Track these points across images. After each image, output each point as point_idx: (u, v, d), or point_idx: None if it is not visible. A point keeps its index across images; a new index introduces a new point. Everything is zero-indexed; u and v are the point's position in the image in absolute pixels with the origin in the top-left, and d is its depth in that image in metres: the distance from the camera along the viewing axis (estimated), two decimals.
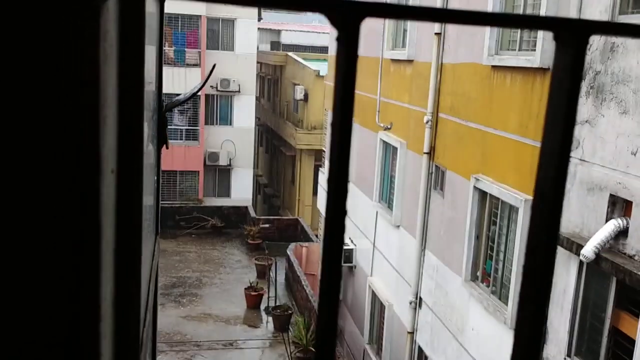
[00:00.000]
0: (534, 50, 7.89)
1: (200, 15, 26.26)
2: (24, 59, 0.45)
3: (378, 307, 13.61)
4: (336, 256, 0.54)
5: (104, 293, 0.58)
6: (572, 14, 7.05)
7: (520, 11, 8.42)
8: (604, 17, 6.60)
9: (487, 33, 8.91)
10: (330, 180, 0.51)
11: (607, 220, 6.38)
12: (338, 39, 0.51)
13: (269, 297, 18.28)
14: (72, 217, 0.47)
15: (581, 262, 6.71)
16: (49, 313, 0.49)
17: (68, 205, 0.47)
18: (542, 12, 7.61)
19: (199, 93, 26.16)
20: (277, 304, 18.00)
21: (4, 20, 0.44)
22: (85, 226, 0.49)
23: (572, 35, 0.54)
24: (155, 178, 1.60)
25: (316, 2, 0.49)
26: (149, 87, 1.44)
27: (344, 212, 0.52)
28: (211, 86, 26.90)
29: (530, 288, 0.56)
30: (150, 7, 1.32)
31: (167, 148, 1.69)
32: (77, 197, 0.48)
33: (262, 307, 18.41)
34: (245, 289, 18.62)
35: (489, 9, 8.86)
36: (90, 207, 0.50)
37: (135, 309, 0.87)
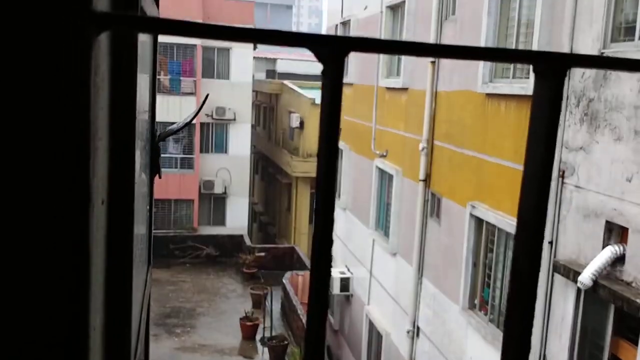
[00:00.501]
0: (528, 77, 7.98)
1: (195, 45, 26.50)
2: (17, 90, 0.46)
3: (375, 336, 13.49)
4: (324, 283, 0.54)
5: (93, 323, 0.58)
6: (565, 41, 7.15)
7: (514, 39, 8.53)
8: (596, 45, 6.69)
9: (481, 61, 9.02)
10: (317, 212, 0.52)
11: (603, 247, 6.38)
12: (323, 73, 0.52)
13: (264, 327, 18.10)
14: (60, 247, 0.48)
15: (579, 289, 6.69)
16: (37, 341, 0.49)
17: (56, 235, 0.48)
18: (535, 40, 7.71)
19: (194, 121, 26.27)
20: (273, 334, 17.81)
21: None
22: (73, 257, 0.50)
23: (551, 68, 0.56)
24: (148, 207, 1.61)
25: (301, 38, 0.51)
26: (142, 116, 1.45)
27: (330, 243, 0.53)
28: (206, 114, 27.01)
29: (515, 312, 0.57)
30: (143, 36, 1.34)
31: (159, 177, 1.70)
32: (66, 228, 0.49)
33: (258, 337, 18.21)
34: (241, 319, 18.43)
35: (482, 37, 8.97)
36: (80, 238, 0.50)
37: (126, 339, 0.86)
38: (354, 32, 15.28)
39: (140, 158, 1.38)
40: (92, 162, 0.50)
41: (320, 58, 0.52)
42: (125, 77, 0.70)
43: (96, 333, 0.64)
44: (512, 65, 8.57)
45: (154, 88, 1.69)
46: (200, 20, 26.37)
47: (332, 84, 0.51)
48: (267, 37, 0.51)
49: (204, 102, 3.07)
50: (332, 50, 0.51)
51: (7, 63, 0.45)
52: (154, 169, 1.60)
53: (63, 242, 0.49)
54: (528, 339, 0.59)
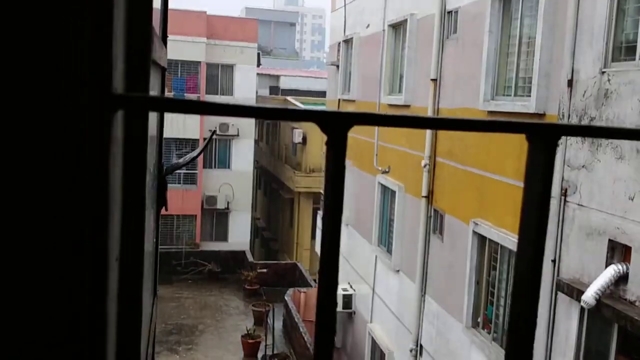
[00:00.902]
0: (529, 96, 8.02)
1: (200, 62, 26.66)
2: (45, 162, 0.49)
3: (378, 354, 13.43)
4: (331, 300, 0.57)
5: None
6: (566, 60, 7.19)
7: (515, 58, 8.58)
8: (597, 64, 6.73)
9: (483, 78, 9.07)
10: (320, 275, 0.55)
11: (606, 266, 6.38)
12: (327, 144, 0.55)
13: (266, 345, 18.01)
14: (79, 305, 0.50)
15: (582, 309, 6.67)
16: None
17: (76, 295, 0.50)
18: (536, 59, 7.76)
19: (197, 137, 26.37)
20: (275, 352, 17.72)
21: (29, 123, 0.48)
22: (92, 319, 0.52)
23: (542, 137, 0.58)
24: (154, 240, 1.63)
25: (309, 113, 0.53)
26: (152, 153, 1.48)
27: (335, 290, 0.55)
28: (210, 130, 27.06)
29: (517, 328, 0.59)
30: (152, 76, 1.37)
31: (166, 210, 1.72)
32: (85, 288, 0.51)
33: (260, 355, 18.12)
34: (242, 336, 18.35)
35: (484, 55, 9.03)
36: (98, 297, 0.53)
37: None
38: (356, 49, 15.38)
39: (148, 193, 1.41)
40: (110, 228, 0.53)
41: (325, 131, 0.55)
42: (138, 143, 0.73)
43: None
44: (514, 83, 8.61)
45: (162, 122, 1.72)
46: (204, 38, 26.60)
47: (336, 155, 0.54)
48: (276, 114, 0.54)
49: (210, 137, 3.12)
50: (336, 124, 0.53)
51: (39, 140, 0.48)
52: (161, 202, 1.63)
53: (79, 300, 0.51)
54: (530, 356, 0.62)
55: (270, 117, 0.54)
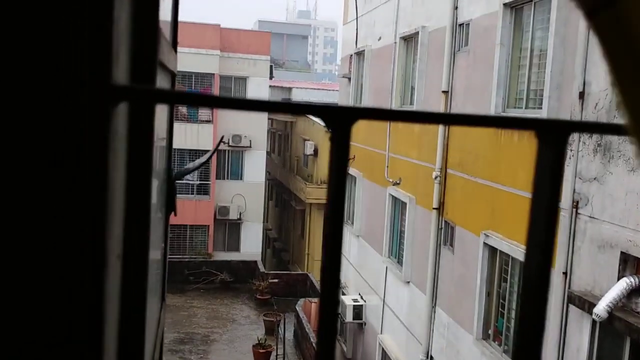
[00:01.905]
0: (541, 108, 7.99)
1: (213, 74, 26.83)
2: (44, 159, 0.49)
3: None
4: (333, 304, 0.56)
5: None
6: (577, 72, 7.16)
7: (526, 70, 8.56)
8: (609, 77, 6.69)
9: (494, 90, 9.05)
10: (322, 274, 0.54)
11: (618, 278, 6.31)
12: (331, 139, 0.55)
13: (277, 355, 17.96)
14: (75, 305, 0.50)
15: (594, 321, 6.60)
16: None
17: (72, 292, 0.50)
18: (548, 71, 7.73)
19: (210, 148, 26.46)
20: None
21: (28, 118, 0.48)
22: (90, 317, 0.52)
23: (553, 135, 0.58)
24: (163, 245, 1.63)
25: (313, 108, 0.53)
26: (161, 158, 1.49)
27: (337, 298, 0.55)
28: (223, 142, 27.23)
29: (525, 336, 0.58)
30: (162, 81, 1.38)
31: (175, 215, 1.73)
32: (84, 286, 0.51)
33: None
34: (254, 346, 18.33)
35: (495, 67, 9.01)
36: (95, 295, 0.52)
37: None
38: (368, 62, 15.41)
39: (156, 198, 1.41)
40: (108, 224, 0.53)
41: (329, 126, 0.54)
42: (143, 139, 0.73)
43: None
44: (525, 95, 8.59)
45: (172, 124, 1.73)
46: (218, 51, 26.78)
47: (340, 149, 0.54)
48: (281, 107, 0.54)
49: (219, 143, 3.13)
50: (340, 119, 0.53)
51: (38, 132, 0.48)
52: (170, 207, 1.63)
53: (78, 300, 0.51)
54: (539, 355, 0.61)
55: (273, 110, 0.54)
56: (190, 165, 2.66)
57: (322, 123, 0.56)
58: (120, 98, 0.51)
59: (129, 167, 0.69)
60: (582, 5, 0.50)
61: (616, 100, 0.53)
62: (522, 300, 0.62)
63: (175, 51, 1.56)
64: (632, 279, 6.14)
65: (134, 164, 0.71)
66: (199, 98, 0.50)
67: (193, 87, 27.04)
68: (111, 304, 0.63)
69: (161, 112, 1.33)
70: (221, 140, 3.58)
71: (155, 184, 1.34)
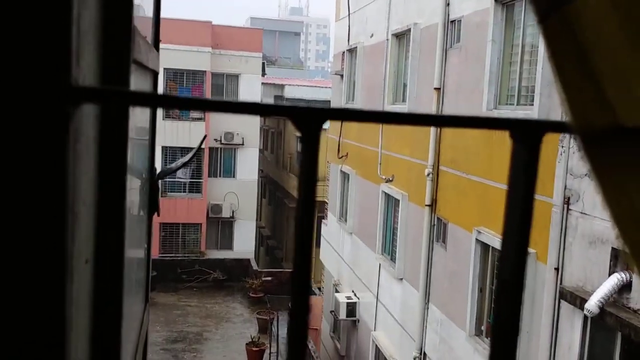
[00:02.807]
0: (532, 104, 8.00)
1: (205, 71, 26.75)
2: None
3: None
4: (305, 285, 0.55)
5: None
6: None
7: (517, 67, 8.57)
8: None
9: (486, 87, 9.06)
10: (293, 280, 0.53)
11: (610, 274, 6.33)
12: (301, 140, 0.54)
13: (270, 353, 17.97)
14: (36, 310, 0.49)
15: (585, 317, 6.62)
16: None
17: (33, 297, 0.49)
18: (539, 68, 7.74)
19: (202, 146, 26.41)
20: (279, 359, 17.68)
21: None
22: (50, 321, 0.50)
23: (527, 134, 0.57)
24: (146, 246, 1.62)
25: (282, 109, 0.52)
26: (143, 157, 1.47)
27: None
28: (215, 139, 27.19)
29: (501, 324, 0.58)
30: (142, 80, 1.36)
31: (158, 215, 1.71)
32: (42, 290, 0.50)
33: None
34: (247, 344, 18.32)
35: (487, 64, 9.02)
36: (56, 299, 0.51)
37: None
38: (360, 59, 15.40)
39: (138, 198, 1.40)
40: (70, 227, 0.51)
41: (298, 127, 0.53)
42: (114, 140, 0.72)
43: None
44: (516, 92, 8.60)
45: (154, 124, 1.71)
46: (209, 48, 26.71)
47: (309, 150, 0.53)
48: (247, 108, 0.53)
49: (202, 142, 3.11)
50: (309, 120, 0.52)
51: None
52: (153, 207, 1.62)
53: (39, 304, 0.50)
54: (514, 351, 0.60)
55: (242, 111, 0.53)
56: (173, 165, 2.64)
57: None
58: (81, 99, 0.50)
59: (101, 170, 0.68)
60: (535, 9, 0.50)
61: (560, 99, 0.53)
62: (496, 297, 0.61)
63: (157, 49, 1.55)
64: (623, 275, 6.16)
65: (106, 166, 0.69)
66: (162, 99, 0.49)
67: (185, 85, 26.96)
68: (80, 309, 0.62)
69: (141, 112, 1.32)
70: (203, 139, 3.56)
71: (136, 185, 1.33)
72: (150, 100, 0.50)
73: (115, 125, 0.71)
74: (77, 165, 0.54)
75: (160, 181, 1.95)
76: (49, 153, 0.47)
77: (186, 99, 0.51)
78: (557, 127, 0.58)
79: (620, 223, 0.57)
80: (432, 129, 10.81)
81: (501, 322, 0.61)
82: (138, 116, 1.32)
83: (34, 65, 0.46)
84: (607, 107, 0.54)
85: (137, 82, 1.10)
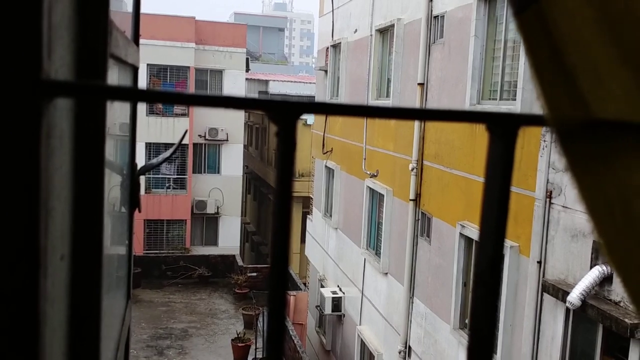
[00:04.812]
0: (515, 99, 8.05)
1: (189, 67, 26.61)
2: None
3: (367, 356, 13.42)
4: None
5: None
6: None
7: (500, 62, 8.62)
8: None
9: (469, 82, 9.10)
10: (271, 272, 0.53)
11: (591, 267, 6.41)
12: (277, 134, 0.54)
13: (256, 348, 17.97)
14: (6, 302, 0.48)
15: (568, 309, 6.70)
16: None
17: (3, 290, 0.48)
18: (522, 62, 7.79)
19: (187, 142, 26.29)
20: (265, 355, 17.65)
21: None
22: (22, 309, 0.50)
23: (503, 127, 0.57)
24: (127, 242, 1.61)
25: (258, 103, 0.52)
26: (123, 152, 1.46)
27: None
28: (199, 135, 27.07)
29: (479, 314, 0.58)
30: (122, 76, 1.35)
31: (139, 212, 1.70)
32: (14, 285, 0.49)
33: (250, 358, 18.06)
34: (232, 340, 18.30)
35: (470, 59, 9.06)
36: (28, 294, 0.50)
37: None
38: (344, 54, 15.40)
39: (118, 194, 1.39)
40: (44, 222, 0.51)
41: (274, 120, 0.53)
42: (91, 133, 0.71)
43: None
44: (499, 87, 8.65)
45: (135, 117, 1.70)
46: (193, 44, 26.56)
47: (285, 144, 0.53)
48: (224, 102, 0.52)
49: (182, 137, 3.10)
50: (285, 114, 0.52)
51: None
52: (134, 203, 1.61)
53: (11, 299, 0.49)
54: (491, 340, 0.61)
55: (217, 105, 0.52)
56: (154, 160, 2.63)
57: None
58: (53, 94, 0.49)
59: (77, 165, 0.67)
60: (512, 2, 0.51)
61: (536, 93, 0.54)
62: (474, 292, 0.62)
63: (137, 44, 1.53)
64: (604, 267, 6.24)
65: (82, 161, 0.68)
66: (136, 92, 0.49)
67: (168, 81, 26.79)
68: (56, 305, 0.61)
69: (121, 107, 1.30)
70: (185, 134, 3.54)
71: (116, 180, 1.32)
72: (124, 93, 0.49)
73: (91, 120, 0.70)
74: (51, 160, 0.53)
75: (143, 177, 1.94)
76: (20, 148, 0.47)
77: (161, 92, 0.50)
78: (532, 120, 0.59)
79: (595, 217, 0.57)
80: (416, 124, 10.85)
81: (478, 313, 0.61)
82: (118, 111, 1.31)
83: (3, 58, 0.45)
84: (580, 101, 0.55)
85: (116, 77, 1.09)
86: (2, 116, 0.45)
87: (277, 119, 0.52)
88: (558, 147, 0.56)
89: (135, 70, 1.55)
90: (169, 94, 0.50)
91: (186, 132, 3.55)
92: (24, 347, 0.48)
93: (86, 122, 0.69)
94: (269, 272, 0.55)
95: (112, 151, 1.18)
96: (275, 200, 0.56)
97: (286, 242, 0.53)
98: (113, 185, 1.17)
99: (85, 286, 0.72)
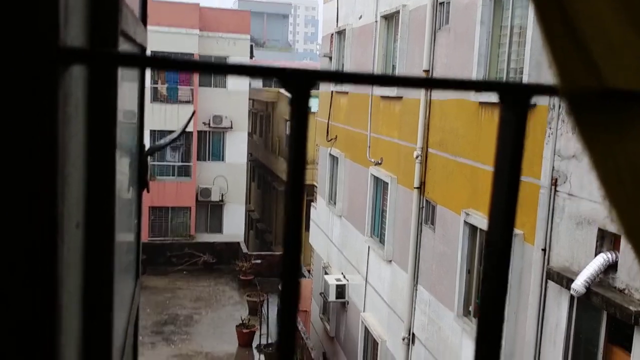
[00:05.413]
0: None
1: (193, 54, 26.55)
2: None
3: (371, 343, 13.48)
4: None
5: (66, 352, 0.59)
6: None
7: (506, 48, 8.57)
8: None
9: (475, 68, 9.06)
10: (285, 236, 0.53)
11: (596, 254, 6.41)
12: (291, 102, 0.54)
13: (261, 334, 18.07)
14: (28, 273, 0.49)
15: (572, 297, 6.71)
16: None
17: (21, 262, 0.49)
18: (527, 49, 7.75)
19: (191, 130, 26.29)
20: (270, 341, 17.79)
21: None
22: (40, 284, 0.51)
23: (515, 97, 0.58)
24: (136, 221, 1.62)
25: (271, 71, 0.52)
26: (130, 133, 1.47)
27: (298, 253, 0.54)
28: (203, 123, 27.07)
29: (489, 300, 0.59)
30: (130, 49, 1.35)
31: (147, 192, 1.71)
32: (32, 256, 0.50)
33: (254, 344, 18.18)
34: (237, 326, 18.41)
35: (475, 45, 9.02)
36: (47, 261, 0.51)
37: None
38: (349, 40, 15.34)
39: (127, 173, 1.40)
40: (60, 190, 0.51)
41: (287, 88, 0.54)
42: (104, 102, 0.71)
43: (71, 354, 0.65)
44: (505, 74, 8.61)
45: (142, 100, 1.70)
46: (197, 30, 26.48)
47: (299, 112, 0.53)
48: (238, 70, 0.53)
49: (190, 117, 3.11)
50: (299, 82, 0.52)
51: None
52: (142, 183, 1.61)
53: (28, 264, 0.50)
54: (501, 327, 0.61)
55: (229, 72, 0.53)
56: (162, 141, 2.63)
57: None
58: (70, 60, 0.50)
59: (90, 132, 0.68)
60: None
61: (548, 63, 0.54)
62: (485, 271, 0.62)
63: (145, 25, 1.53)
64: (609, 255, 6.24)
65: (95, 129, 0.69)
66: (149, 60, 0.49)
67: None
68: (71, 271, 0.62)
69: (130, 88, 1.31)
70: (192, 115, 3.55)
71: (125, 159, 1.33)
72: (138, 61, 0.50)
73: (104, 88, 0.71)
74: (67, 128, 0.54)
75: (149, 162, 1.94)
76: (39, 113, 0.47)
77: (174, 60, 0.51)
78: (544, 90, 0.59)
79: (605, 185, 0.58)
80: (421, 111, 10.82)
81: (489, 292, 0.62)
82: (127, 94, 1.32)
83: (22, 25, 0.46)
84: (592, 70, 0.55)
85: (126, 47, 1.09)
86: (22, 82, 0.46)
87: (292, 87, 0.52)
88: (569, 115, 0.57)
89: (143, 50, 1.55)
90: (180, 61, 0.51)
91: (194, 112, 3.56)
92: (43, 309, 0.49)
93: (99, 90, 0.69)
94: (282, 239, 0.55)
95: (120, 131, 1.18)
96: (289, 168, 0.57)
97: (299, 208, 0.54)
98: (122, 162, 1.18)
99: (98, 254, 0.73)
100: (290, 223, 0.52)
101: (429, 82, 0.56)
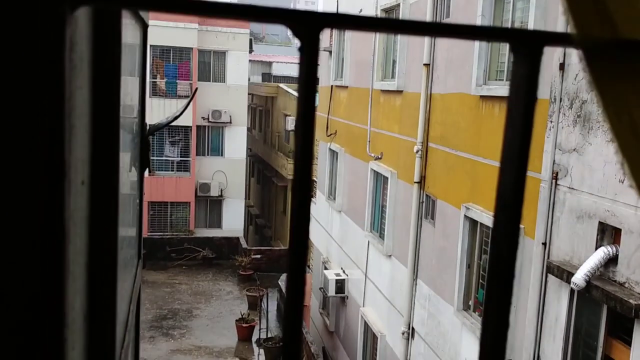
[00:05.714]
0: None
1: (191, 48, 26.50)
2: None
3: (370, 338, 13.49)
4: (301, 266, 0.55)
5: (72, 302, 0.58)
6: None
7: (507, 47, 8.54)
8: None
9: (475, 63, 9.05)
10: (294, 189, 0.52)
11: (596, 248, 6.40)
12: (300, 49, 0.53)
13: (260, 329, 18.09)
14: (32, 222, 0.48)
15: (572, 290, 6.70)
16: (8, 323, 0.49)
17: (28, 211, 0.48)
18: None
19: (190, 124, 26.26)
20: (269, 335, 17.80)
21: None
22: (48, 233, 0.50)
23: (527, 46, 0.56)
24: (138, 201, 1.61)
25: (278, 14, 0.51)
26: (131, 112, 1.45)
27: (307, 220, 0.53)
28: (202, 117, 27.03)
29: (494, 293, 0.57)
30: (132, 24, 1.34)
31: (149, 173, 1.70)
32: (38, 204, 0.49)
33: (254, 339, 18.19)
34: (237, 320, 18.43)
35: (475, 49, 8.98)
36: (55, 215, 0.50)
37: (111, 323, 0.86)
38: (349, 35, 15.31)
39: (130, 151, 1.38)
40: (67, 138, 0.50)
41: (296, 34, 0.52)
42: (108, 57, 0.70)
43: (76, 313, 0.64)
44: (506, 67, 8.59)
45: (144, 81, 1.69)
46: (196, 24, 26.40)
47: (308, 59, 0.52)
48: (244, 13, 0.51)
49: (193, 94, 3.09)
50: (308, 26, 0.51)
51: None
52: (144, 162, 1.60)
53: (35, 218, 0.49)
54: (507, 318, 0.60)
55: (233, 15, 0.51)
56: (163, 119, 2.62)
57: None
58: (77, 2, 0.48)
59: (95, 82, 0.66)
60: None
61: (563, 11, 0.53)
62: (490, 257, 0.61)
63: None
64: (609, 249, 6.23)
65: (100, 79, 0.68)
66: (153, 1, 0.48)
67: (171, 62, 26.69)
68: (77, 229, 0.61)
69: (131, 80, 1.29)
70: (194, 93, 3.53)
71: (128, 138, 1.32)
72: (141, 2, 0.48)
73: (108, 30, 0.70)
74: (73, 77, 0.53)
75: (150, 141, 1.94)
76: (47, 55, 0.46)
77: (189, 2, 0.49)
78: (558, 38, 0.58)
79: (619, 137, 0.57)
80: (421, 105, 10.80)
81: (495, 286, 0.60)
82: (129, 84, 1.30)
83: None
84: (608, 19, 0.54)
85: (131, 32, 1.08)
86: (29, 23, 0.44)
87: (301, 31, 0.51)
88: (584, 65, 0.56)
89: (145, 27, 1.54)
90: (184, 2, 0.49)
91: (196, 90, 3.54)
92: (51, 261, 0.48)
93: (104, 40, 0.68)
94: (291, 221, 0.54)
95: (122, 107, 1.17)
96: (297, 122, 0.56)
97: (310, 156, 0.53)
98: (125, 141, 1.16)
99: (103, 212, 0.72)
100: (300, 166, 0.51)
101: (438, 28, 0.54)
